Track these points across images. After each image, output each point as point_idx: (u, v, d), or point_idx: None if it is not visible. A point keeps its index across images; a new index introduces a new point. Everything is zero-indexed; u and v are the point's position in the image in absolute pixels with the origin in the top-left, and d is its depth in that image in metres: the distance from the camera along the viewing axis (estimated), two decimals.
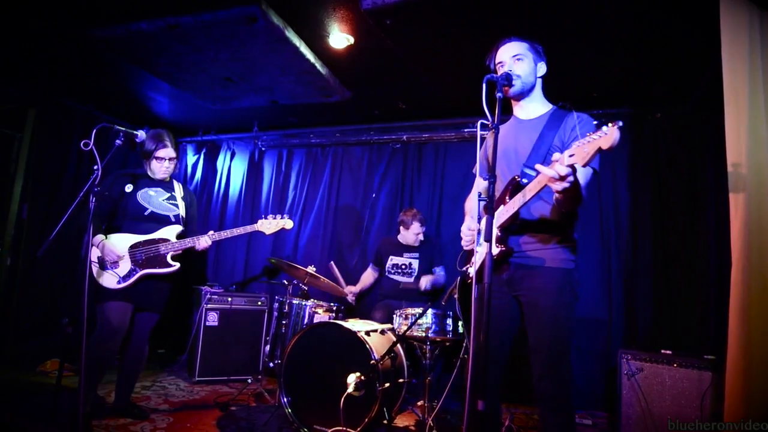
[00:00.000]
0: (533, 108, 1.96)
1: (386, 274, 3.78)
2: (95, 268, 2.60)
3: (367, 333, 2.70)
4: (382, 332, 2.92)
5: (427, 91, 3.71)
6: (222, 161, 5.22)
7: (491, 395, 1.85)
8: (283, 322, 3.31)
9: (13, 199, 4.15)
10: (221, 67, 3.39)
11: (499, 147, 1.65)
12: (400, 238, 3.77)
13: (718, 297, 3.19)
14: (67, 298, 4.30)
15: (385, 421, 2.52)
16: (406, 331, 2.75)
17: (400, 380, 2.79)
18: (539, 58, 1.94)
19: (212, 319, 3.87)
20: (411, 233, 3.66)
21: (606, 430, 3.13)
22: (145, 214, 2.74)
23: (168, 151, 2.80)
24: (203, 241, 2.77)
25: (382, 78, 3.57)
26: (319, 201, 4.68)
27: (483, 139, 1.97)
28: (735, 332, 1.78)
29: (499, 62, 1.93)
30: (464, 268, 2.05)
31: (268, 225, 3.02)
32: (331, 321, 2.87)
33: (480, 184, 1.97)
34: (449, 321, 2.82)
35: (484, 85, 1.58)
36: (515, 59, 1.89)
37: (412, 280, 3.67)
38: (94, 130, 2.20)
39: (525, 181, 1.72)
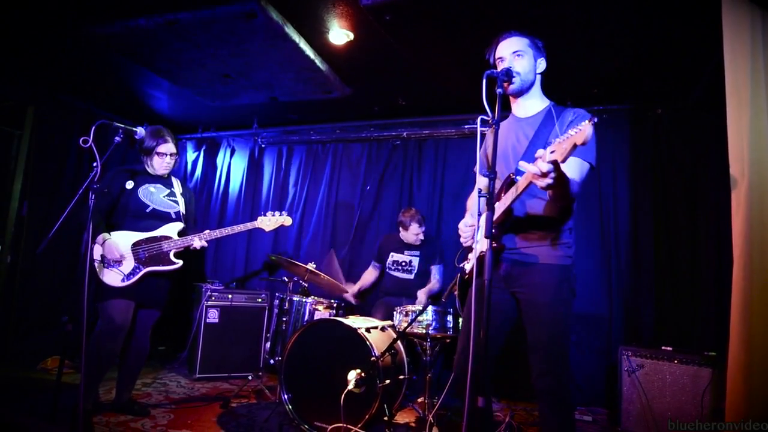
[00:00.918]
0: (531, 105, 1.95)
1: (387, 270, 3.77)
2: (97, 266, 2.60)
3: (368, 330, 2.70)
4: (383, 329, 2.92)
5: (427, 88, 3.69)
6: (222, 158, 5.22)
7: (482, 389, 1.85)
8: (284, 319, 3.31)
9: (13, 196, 4.15)
10: (220, 63, 3.38)
11: (498, 146, 1.65)
12: (401, 235, 3.77)
13: (718, 293, 3.18)
14: (67, 295, 4.30)
15: (386, 418, 2.52)
16: (406, 327, 2.75)
17: (401, 377, 2.79)
18: (539, 54, 1.93)
19: (213, 316, 3.87)
20: (411, 234, 3.64)
21: (606, 426, 3.14)
22: (147, 211, 2.73)
23: (169, 147, 2.80)
24: (198, 241, 2.76)
25: (381, 74, 3.56)
26: (320, 198, 4.68)
27: (483, 135, 1.96)
28: (737, 330, 1.77)
29: (499, 57, 1.91)
30: (462, 265, 2.05)
31: (268, 222, 3.03)
32: (332, 318, 2.86)
33: (481, 182, 1.97)
34: (449, 318, 2.82)
35: (484, 81, 1.57)
36: (515, 55, 1.87)
37: (412, 277, 3.67)
38: (93, 127, 2.19)
39: (518, 178, 1.72)
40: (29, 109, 4.21)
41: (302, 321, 3.29)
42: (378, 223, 4.42)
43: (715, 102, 2.30)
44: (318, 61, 3.29)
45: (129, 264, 2.64)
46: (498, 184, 1.85)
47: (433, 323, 2.78)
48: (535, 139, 1.85)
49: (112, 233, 2.65)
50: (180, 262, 2.75)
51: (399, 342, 2.82)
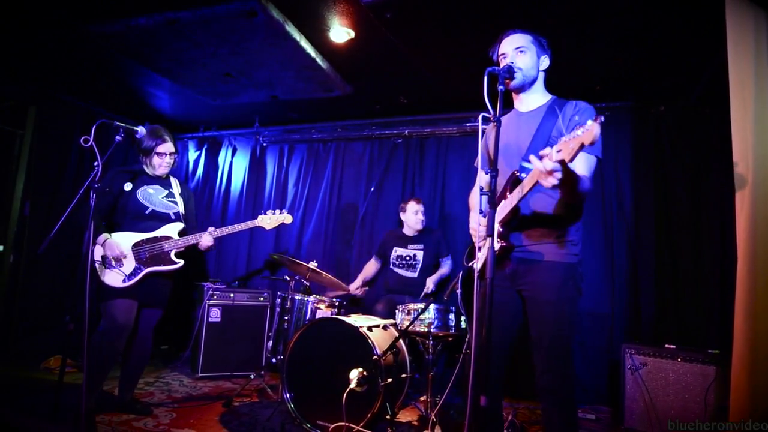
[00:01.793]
0: (533, 100, 1.95)
1: (390, 266, 3.77)
2: (98, 267, 2.60)
3: (370, 328, 2.69)
4: (385, 327, 2.91)
5: (429, 85, 3.68)
6: (223, 157, 5.21)
7: (493, 391, 1.84)
8: (286, 317, 3.31)
9: (15, 196, 4.16)
10: (221, 62, 3.37)
11: (500, 141, 1.64)
12: (404, 230, 3.77)
13: (722, 291, 3.17)
14: (69, 294, 4.31)
15: (388, 417, 2.51)
16: (408, 326, 2.74)
17: (403, 375, 2.79)
18: (543, 51, 1.92)
19: (215, 315, 3.87)
20: (410, 213, 3.68)
21: (609, 424, 3.13)
22: (146, 212, 2.73)
23: (168, 146, 2.80)
24: (205, 240, 2.78)
25: (383, 72, 3.54)
26: (322, 196, 4.67)
27: (484, 132, 1.95)
28: (741, 328, 1.76)
29: (502, 54, 1.90)
30: (470, 264, 2.04)
31: (268, 220, 3.04)
32: (334, 317, 2.86)
33: (482, 178, 1.96)
34: (452, 316, 2.82)
35: (485, 78, 1.56)
36: (518, 51, 1.86)
37: (416, 274, 3.66)
38: (94, 127, 2.19)
39: (523, 175, 1.71)
40: (31, 108, 4.22)
41: (304, 320, 3.28)
42: (380, 221, 4.40)
43: (718, 99, 2.29)
44: (319, 60, 3.28)
45: (130, 264, 2.63)
46: (500, 178, 1.84)
47: (436, 321, 2.78)
48: (537, 133, 1.84)
49: (112, 234, 2.65)
50: (181, 262, 2.75)
51: (401, 340, 2.81)
